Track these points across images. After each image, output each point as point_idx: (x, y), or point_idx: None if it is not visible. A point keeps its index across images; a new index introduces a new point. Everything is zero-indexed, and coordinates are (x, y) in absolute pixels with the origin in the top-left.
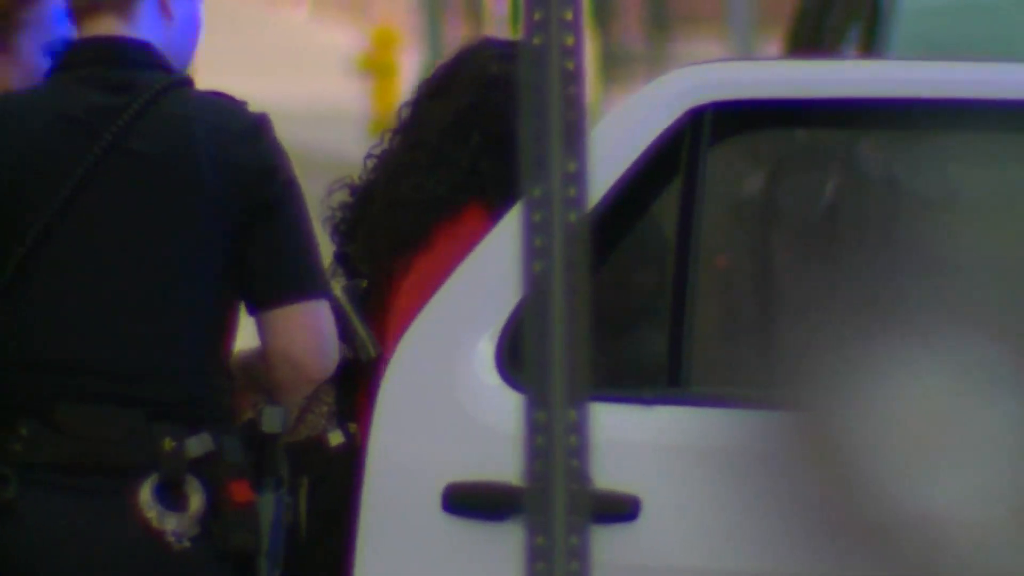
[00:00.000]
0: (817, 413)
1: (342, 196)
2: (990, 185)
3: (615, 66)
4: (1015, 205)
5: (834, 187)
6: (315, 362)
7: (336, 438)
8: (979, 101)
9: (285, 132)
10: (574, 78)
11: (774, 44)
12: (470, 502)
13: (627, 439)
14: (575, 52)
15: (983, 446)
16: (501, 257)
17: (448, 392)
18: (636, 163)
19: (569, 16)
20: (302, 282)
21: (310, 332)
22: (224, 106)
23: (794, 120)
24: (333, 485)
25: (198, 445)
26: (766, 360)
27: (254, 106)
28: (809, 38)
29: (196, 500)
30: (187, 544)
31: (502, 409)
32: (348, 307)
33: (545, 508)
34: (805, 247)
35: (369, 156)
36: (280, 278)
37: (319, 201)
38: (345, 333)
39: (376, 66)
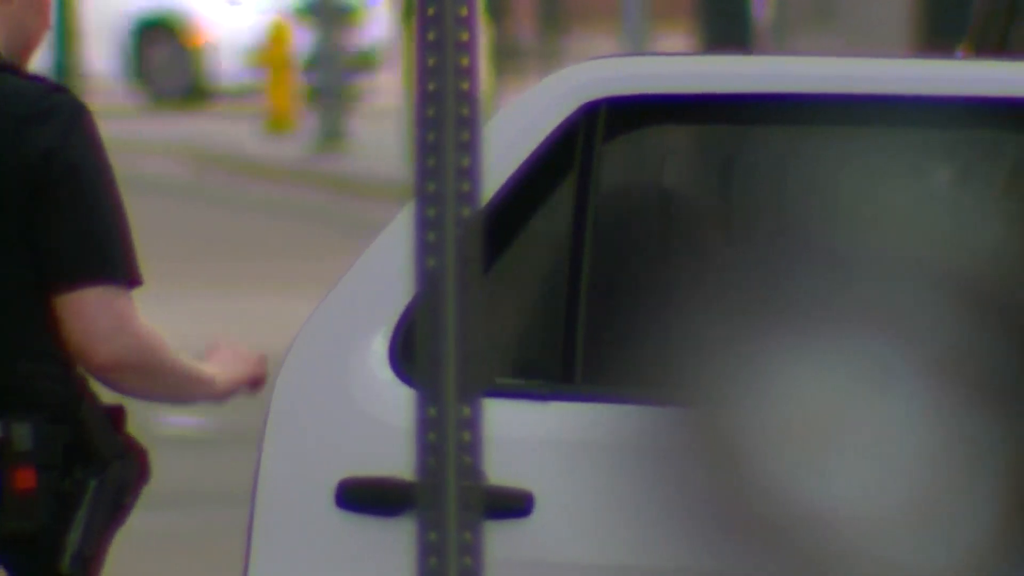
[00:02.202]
0: (710, 409)
1: None
2: (880, 180)
3: (507, 60)
4: (905, 200)
5: (728, 182)
6: (94, 350)
7: None
8: (870, 97)
9: (177, 125)
10: (468, 74)
11: (667, 39)
12: (363, 497)
13: (521, 435)
14: (469, 48)
15: (875, 442)
16: (395, 253)
17: (342, 388)
18: (530, 158)
19: (464, 12)
20: (75, 269)
21: (82, 320)
22: (24, 91)
23: (687, 115)
24: None
25: None
26: (659, 356)
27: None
28: (994, 39)
29: None
30: None
31: (396, 405)
32: None
33: (437, 504)
34: (698, 242)
35: None
36: (57, 265)
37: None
38: None
39: (270, 61)
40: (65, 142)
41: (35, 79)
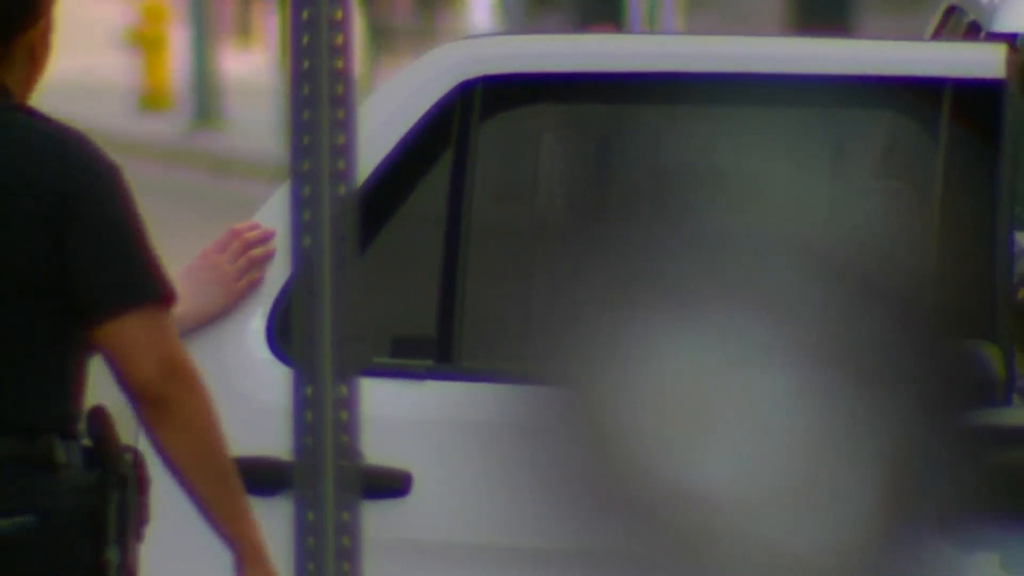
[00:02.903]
0: (587, 389)
1: None
2: (755, 159)
3: (382, 39)
4: (781, 179)
5: (604, 161)
6: (149, 375)
7: None
8: (746, 75)
9: (54, 106)
10: (342, 52)
11: (544, 18)
12: (241, 477)
13: (398, 414)
14: (343, 26)
15: (751, 423)
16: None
17: (219, 367)
18: (406, 137)
19: None
20: (120, 293)
21: (139, 345)
22: (36, 127)
23: (564, 94)
24: None
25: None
26: (537, 335)
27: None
28: None
29: None
30: None
31: (273, 384)
32: None
33: (314, 483)
34: (575, 221)
35: None
36: (96, 292)
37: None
38: None
39: (144, 40)
40: (85, 176)
41: (45, 120)
